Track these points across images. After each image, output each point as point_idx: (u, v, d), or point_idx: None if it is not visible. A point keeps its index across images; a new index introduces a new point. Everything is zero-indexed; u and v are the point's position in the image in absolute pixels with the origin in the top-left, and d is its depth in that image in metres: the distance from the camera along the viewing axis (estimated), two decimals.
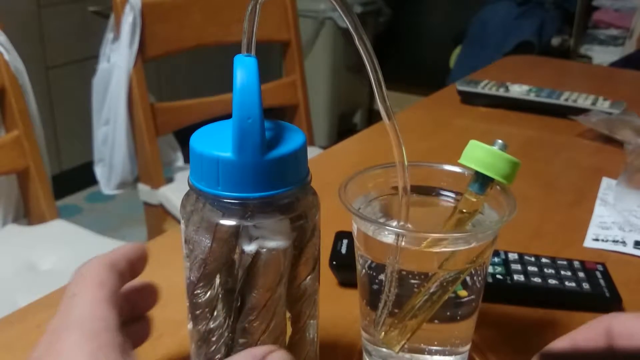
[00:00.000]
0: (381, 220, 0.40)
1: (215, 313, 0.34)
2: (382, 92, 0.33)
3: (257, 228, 0.32)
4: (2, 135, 1.09)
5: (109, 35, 1.25)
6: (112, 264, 0.34)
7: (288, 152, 0.32)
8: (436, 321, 0.38)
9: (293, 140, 0.32)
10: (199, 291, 0.33)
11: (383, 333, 0.38)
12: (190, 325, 0.35)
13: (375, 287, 0.38)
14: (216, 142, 0.32)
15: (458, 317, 0.39)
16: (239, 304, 0.33)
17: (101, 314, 0.31)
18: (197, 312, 0.34)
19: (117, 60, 1.23)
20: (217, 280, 0.33)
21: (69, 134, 2.20)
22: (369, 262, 0.38)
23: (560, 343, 0.33)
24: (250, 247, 0.32)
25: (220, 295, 0.33)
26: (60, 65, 2.16)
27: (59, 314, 0.31)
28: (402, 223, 0.36)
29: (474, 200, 0.37)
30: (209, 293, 0.33)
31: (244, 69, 0.30)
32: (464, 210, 0.37)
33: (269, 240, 0.32)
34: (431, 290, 0.36)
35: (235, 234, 0.32)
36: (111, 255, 0.35)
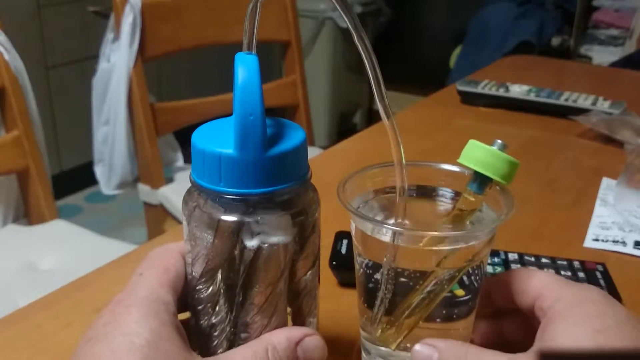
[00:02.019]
0: (379, 219, 0.40)
1: (217, 308, 0.34)
2: (381, 91, 0.33)
3: (258, 224, 0.32)
4: (2, 135, 1.09)
5: (109, 35, 1.25)
6: (181, 252, 0.35)
7: (289, 148, 0.32)
8: (434, 320, 0.38)
9: (293, 137, 0.33)
10: (201, 286, 0.34)
11: (380, 331, 0.38)
12: (192, 321, 0.35)
13: (372, 286, 0.38)
14: (218, 139, 0.32)
15: (455, 316, 0.39)
16: (240, 299, 0.33)
17: (163, 297, 0.33)
18: (199, 307, 0.34)
19: (117, 60, 1.23)
20: (219, 276, 0.33)
21: (69, 134, 2.20)
22: (367, 261, 0.38)
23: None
24: (252, 243, 0.32)
25: (222, 291, 0.33)
26: (60, 65, 2.16)
27: (126, 290, 0.33)
28: (399, 221, 0.36)
29: (473, 199, 0.37)
30: (211, 288, 0.33)
31: (245, 67, 0.31)
32: (463, 209, 0.37)
33: (270, 236, 0.32)
34: (428, 289, 0.37)
35: (237, 229, 0.32)
36: (183, 244, 0.36)
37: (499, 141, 0.37)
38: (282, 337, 0.33)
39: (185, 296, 0.35)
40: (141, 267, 0.35)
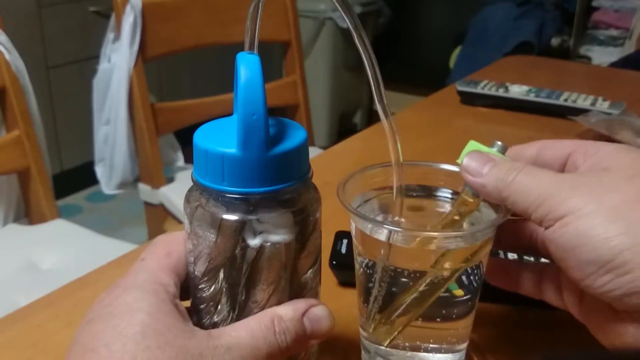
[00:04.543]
0: (378, 219, 0.40)
1: (219, 307, 0.34)
2: (380, 91, 0.33)
3: (260, 222, 0.32)
4: (2, 135, 1.09)
5: (110, 35, 1.26)
6: (185, 238, 0.35)
7: (291, 147, 0.32)
8: (433, 319, 0.38)
9: (295, 136, 0.33)
10: (203, 285, 0.34)
11: (373, 327, 0.38)
12: (194, 320, 0.35)
13: (372, 285, 0.38)
14: (220, 138, 0.32)
15: (454, 316, 0.39)
16: (243, 297, 0.33)
17: (162, 280, 0.33)
18: (202, 306, 0.34)
19: (118, 60, 1.23)
20: (222, 275, 0.33)
21: (70, 134, 2.20)
22: (367, 261, 0.39)
23: (530, 147, 0.39)
24: (254, 242, 0.32)
25: (224, 289, 0.34)
26: (61, 65, 2.16)
27: (128, 274, 0.34)
28: (396, 218, 0.37)
29: (471, 200, 0.37)
30: (213, 287, 0.34)
31: (248, 66, 0.31)
32: (461, 210, 0.37)
33: (272, 234, 0.32)
34: (421, 288, 0.37)
35: (240, 228, 0.32)
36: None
37: (499, 142, 0.37)
38: (288, 308, 0.33)
39: (187, 283, 0.35)
40: (144, 253, 0.35)
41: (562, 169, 0.38)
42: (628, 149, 0.35)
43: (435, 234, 0.37)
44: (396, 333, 0.38)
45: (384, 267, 0.36)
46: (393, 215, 0.37)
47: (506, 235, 0.38)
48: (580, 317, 0.37)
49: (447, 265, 0.36)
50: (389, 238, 0.36)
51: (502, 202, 0.35)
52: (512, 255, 0.52)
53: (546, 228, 0.33)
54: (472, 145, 0.37)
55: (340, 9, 0.31)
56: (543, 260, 0.52)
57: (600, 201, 0.32)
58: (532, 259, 0.52)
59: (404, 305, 0.37)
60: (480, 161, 0.36)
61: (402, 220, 0.37)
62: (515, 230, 0.38)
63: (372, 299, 0.37)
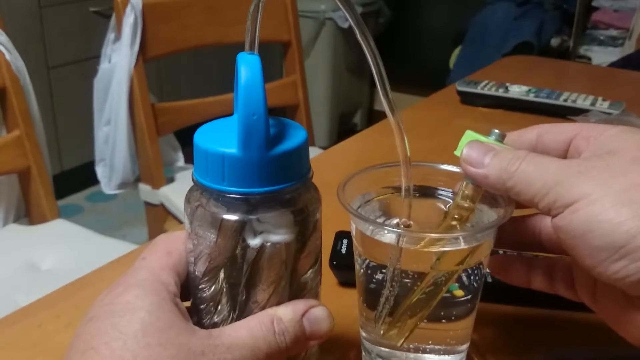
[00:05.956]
0: (379, 220, 0.40)
1: (219, 307, 0.34)
2: (385, 86, 0.33)
3: (260, 222, 0.32)
4: (3, 135, 1.10)
5: (110, 36, 1.26)
6: (184, 239, 0.35)
7: (291, 147, 0.32)
8: (433, 320, 0.38)
9: (295, 136, 0.33)
10: (203, 285, 0.34)
11: (382, 331, 0.38)
12: (194, 320, 0.35)
13: (372, 286, 0.38)
14: (220, 138, 0.32)
15: (454, 317, 0.39)
16: (243, 297, 0.33)
17: (163, 279, 0.33)
18: (202, 306, 0.34)
19: (118, 61, 1.23)
20: (222, 275, 0.33)
21: (70, 134, 2.20)
22: (368, 261, 0.39)
23: (529, 132, 0.38)
24: (255, 242, 0.32)
25: (224, 290, 0.34)
26: (62, 65, 2.16)
27: (128, 272, 0.34)
28: (404, 220, 0.36)
29: (471, 192, 0.37)
30: (213, 287, 0.34)
31: (248, 67, 0.31)
32: (465, 204, 0.37)
33: (273, 234, 0.32)
34: (427, 289, 0.37)
35: (240, 228, 0.32)
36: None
37: (496, 131, 0.37)
38: (287, 309, 0.33)
39: (187, 283, 0.35)
40: (145, 252, 0.35)
41: (564, 154, 0.37)
42: (633, 130, 0.34)
43: (439, 235, 0.37)
44: (408, 333, 0.37)
45: (394, 269, 0.36)
46: (401, 216, 0.36)
47: (507, 233, 0.38)
48: (594, 308, 0.37)
49: (448, 266, 0.36)
50: (398, 241, 0.36)
51: (506, 192, 0.34)
52: (512, 253, 0.52)
53: (554, 216, 0.32)
54: (470, 135, 0.37)
55: (340, 5, 0.31)
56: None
57: (609, 185, 0.31)
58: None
59: (411, 307, 0.37)
60: (480, 151, 0.35)
61: (411, 222, 0.37)
62: (516, 228, 0.38)
63: (382, 300, 0.37)
